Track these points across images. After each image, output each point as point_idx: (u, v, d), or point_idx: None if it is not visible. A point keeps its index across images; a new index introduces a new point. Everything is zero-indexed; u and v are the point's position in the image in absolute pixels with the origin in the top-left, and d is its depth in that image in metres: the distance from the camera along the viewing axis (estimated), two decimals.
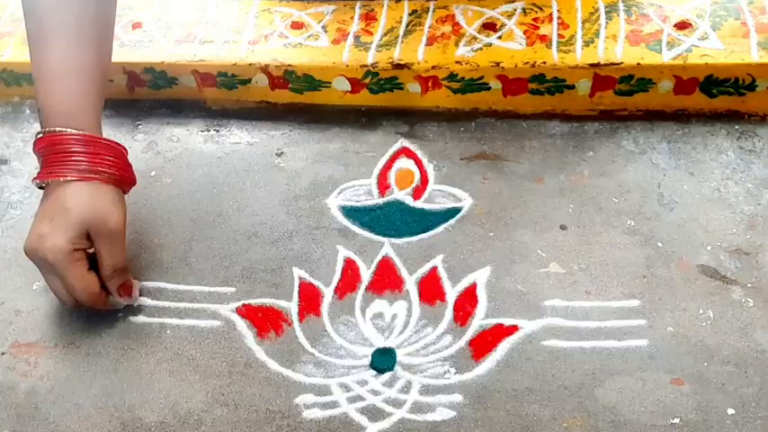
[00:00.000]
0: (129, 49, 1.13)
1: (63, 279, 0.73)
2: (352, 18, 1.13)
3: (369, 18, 1.13)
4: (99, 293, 0.77)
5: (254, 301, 0.90)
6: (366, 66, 1.05)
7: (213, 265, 0.94)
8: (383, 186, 1.00)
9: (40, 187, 0.75)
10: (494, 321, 0.85)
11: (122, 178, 0.77)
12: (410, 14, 1.12)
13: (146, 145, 1.11)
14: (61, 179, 0.71)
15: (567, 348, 0.82)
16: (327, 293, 0.90)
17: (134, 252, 0.96)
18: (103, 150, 0.74)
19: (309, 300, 0.89)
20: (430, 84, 1.06)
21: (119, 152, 0.77)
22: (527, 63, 1.01)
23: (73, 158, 0.71)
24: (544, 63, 1.01)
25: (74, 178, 0.71)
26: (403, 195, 0.99)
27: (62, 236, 0.70)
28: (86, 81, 0.73)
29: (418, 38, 1.08)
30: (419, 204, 0.97)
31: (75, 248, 0.72)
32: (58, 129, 0.71)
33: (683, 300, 0.84)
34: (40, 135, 0.73)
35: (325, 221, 0.97)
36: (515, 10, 1.09)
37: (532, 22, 1.07)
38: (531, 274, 0.88)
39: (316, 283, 0.91)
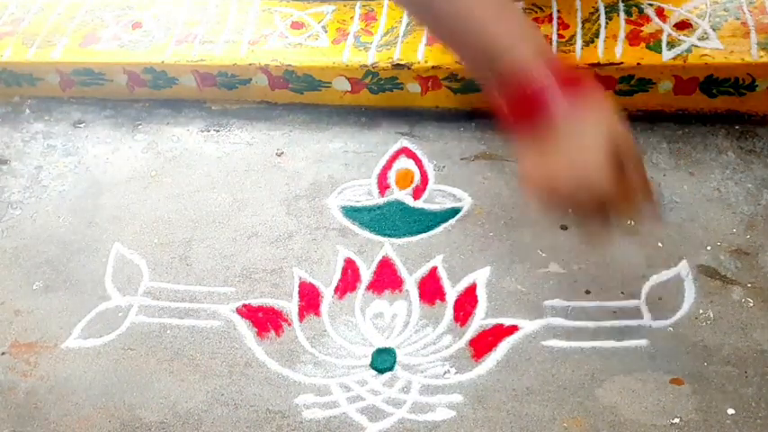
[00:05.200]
0: (129, 49, 1.13)
1: (632, 171, 0.67)
2: (352, 18, 1.13)
3: (369, 18, 1.13)
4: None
5: (254, 301, 0.90)
6: (366, 66, 1.06)
7: (213, 265, 0.94)
8: (383, 186, 1.00)
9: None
10: (494, 321, 0.85)
11: None
12: None
13: (146, 145, 1.11)
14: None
15: (567, 348, 0.82)
16: (327, 293, 0.90)
17: (134, 252, 0.97)
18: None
19: (309, 300, 0.89)
20: (430, 84, 1.06)
21: None
22: None
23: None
24: None
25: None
26: (403, 195, 0.99)
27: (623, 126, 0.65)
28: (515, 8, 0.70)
29: (418, 38, 1.08)
30: (419, 204, 0.98)
31: None
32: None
33: (683, 300, 0.84)
34: (529, 68, 0.63)
35: (325, 221, 0.97)
36: None
37: (532, 23, 1.07)
38: (531, 274, 0.88)
39: (316, 283, 0.91)
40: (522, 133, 0.69)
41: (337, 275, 0.91)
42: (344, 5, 1.15)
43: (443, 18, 0.69)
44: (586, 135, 0.66)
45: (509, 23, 0.68)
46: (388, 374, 0.81)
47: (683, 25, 1.01)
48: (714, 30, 0.99)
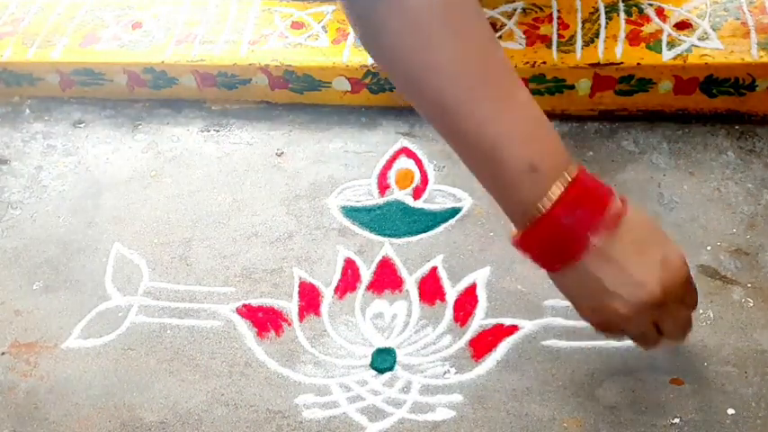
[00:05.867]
0: (129, 49, 1.13)
1: (680, 309, 0.62)
2: None
3: None
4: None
5: (254, 301, 0.90)
6: (366, 66, 1.05)
7: (213, 265, 0.94)
8: (383, 186, 1.00)
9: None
10: (494, 321, 0.85)
11: None
12: None
13: (146, 145, 1.11)
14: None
15: (567, 348, 0.82)
16: (327, 293, 0.90)
17: (134, 252, 0.97)
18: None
19: (309, 300, 0.89)
20: None
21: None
22: (527, 63, 1.01)
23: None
24: (544, 63, 1.01)
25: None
26: (403, 195, 0.99)
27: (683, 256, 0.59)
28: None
29: None
30: (419, 204, 0.98)
31: None
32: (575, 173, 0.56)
33: None
34: (567, 184, 0.55)
35: (326, 221, 0.97)
36: (515, 10, 1.09)
37: (532, 22, 1.07)
38: (531, 274, 0.88)
39: (316, 283, 0.91)
40: (555, 271, 0.62)
41: (337, 275, 0.91)
42: None
43: (413, 80, 0.54)
44: (640, 267, 0.57)
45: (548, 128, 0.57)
46: (388, 374, 0.81)
47: (683, 25, 1.01)
48: (714, 30, 0.99)
